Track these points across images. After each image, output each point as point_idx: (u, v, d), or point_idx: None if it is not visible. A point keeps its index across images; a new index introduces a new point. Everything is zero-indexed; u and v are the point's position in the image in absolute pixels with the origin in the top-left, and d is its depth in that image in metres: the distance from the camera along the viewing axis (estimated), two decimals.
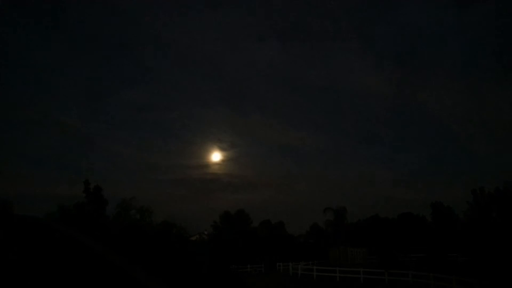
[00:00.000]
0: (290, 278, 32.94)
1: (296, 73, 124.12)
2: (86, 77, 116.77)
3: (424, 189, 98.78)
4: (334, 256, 43.82)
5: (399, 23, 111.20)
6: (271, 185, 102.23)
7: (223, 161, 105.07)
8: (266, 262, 44.80)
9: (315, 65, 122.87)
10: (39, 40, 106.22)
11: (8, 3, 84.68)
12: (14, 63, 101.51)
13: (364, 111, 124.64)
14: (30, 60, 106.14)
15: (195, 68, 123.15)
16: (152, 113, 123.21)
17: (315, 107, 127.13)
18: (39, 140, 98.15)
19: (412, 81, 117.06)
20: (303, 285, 29.13)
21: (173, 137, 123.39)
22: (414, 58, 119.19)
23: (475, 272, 26.52)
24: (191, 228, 59.59)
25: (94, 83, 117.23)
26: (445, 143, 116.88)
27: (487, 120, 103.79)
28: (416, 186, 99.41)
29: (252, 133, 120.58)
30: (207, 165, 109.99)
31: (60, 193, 66.05)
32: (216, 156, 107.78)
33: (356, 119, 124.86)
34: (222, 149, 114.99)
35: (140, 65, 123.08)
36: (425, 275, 25.41)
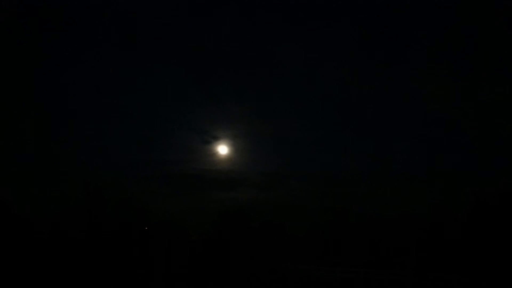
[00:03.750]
0: (290, 278, 33.01)
1: (268, 51, 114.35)
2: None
3: (424, 189, 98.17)
4: (335, 255, 43.90)
5: None
6: (263, 182, 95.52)
7: (207, 155, 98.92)
8: (266, 262, 44.86)
9: (289, 41, 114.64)
10: None
11: None
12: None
13: (352, 99, 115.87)
14: None
15: (154, 49, 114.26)
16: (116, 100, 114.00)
17: (294, 90, 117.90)
18: (38, 139, 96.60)
19: (408, 74, 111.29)
20: (303, 285, 29.21)
21: (149, 129, 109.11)
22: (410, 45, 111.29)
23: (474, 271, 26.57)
24: (191, 228, 59.66)
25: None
26: (445, 142, 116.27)
27: (487, 118, 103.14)
28: (416, 186, 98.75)
29: (233, 123, 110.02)
30: (190, 160, 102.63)
31: (60, 193, 65.06)
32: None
33: (341, 107, 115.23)
34: (204, 142, 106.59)
35: (95, 46, 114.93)
36: (425, 275, 25.48)
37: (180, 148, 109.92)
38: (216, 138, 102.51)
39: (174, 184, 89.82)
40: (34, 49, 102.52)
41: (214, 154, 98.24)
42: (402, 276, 27.36)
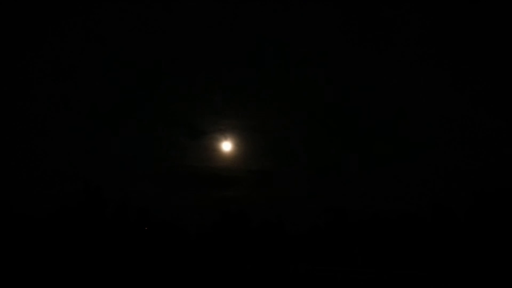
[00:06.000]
0: (290, 278, 33.02)
1: (245, 34, 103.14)
2: None
3: (424, 189, 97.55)
4: (335, 256, 43.94)
5: None
6: (256, 181, 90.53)
7: (196, 152, 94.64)
8: (266, 262, 44.88)
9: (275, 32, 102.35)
10: None
11: None
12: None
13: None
14: None
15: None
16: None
17: (285, 85, 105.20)
18: (38, 138, 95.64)
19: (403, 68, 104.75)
20: (303, 285, 29.20)
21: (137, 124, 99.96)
22: None
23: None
24: (191, 227, 59.60)
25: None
26: (445, 142, 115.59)
27: (486, 118, 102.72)
28: (417, 186, 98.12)
29: (222, 117, 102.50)
30: (178, 157, 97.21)
31: (60, 193, 64.54)
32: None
33: (337, 103, 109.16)
34: (191, 137, 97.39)
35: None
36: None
37: (167, 144, 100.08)
38: (204, 133, 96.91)
39: (164, 182, 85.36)
40: (36, 48, 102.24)
41: (203, 150, 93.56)
42: (403, 275, 27.37)
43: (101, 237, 39.84)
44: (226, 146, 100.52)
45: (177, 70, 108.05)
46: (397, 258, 42.54)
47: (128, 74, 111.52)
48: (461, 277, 22.18)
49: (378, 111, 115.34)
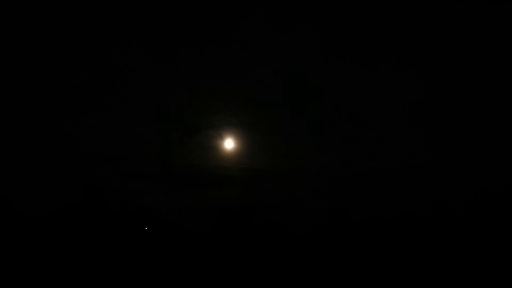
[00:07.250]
0: (290, 278, 33.03)
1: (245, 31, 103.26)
2: None
3: (424, 189, 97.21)
4: (335, 255, 43.97)
5: None
6: (253, 180, 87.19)
7: (189, 149, 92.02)
8: (267, 262, 44.87)
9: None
10: None
11: None
12: None
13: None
14: None
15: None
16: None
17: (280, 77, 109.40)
18: (37, 138, 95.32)
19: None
20: (304, 285, 29.22)
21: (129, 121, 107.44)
22: None
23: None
24: (191, 227, 59.63)
25: None
26: (445, 142, 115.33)
27: (486, 118, 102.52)
28: (417, 185, 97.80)
29: (215, 113, 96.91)
30: (170, 155, 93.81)
31: (60, 193, 64.60)
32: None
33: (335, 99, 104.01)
34: (184, 134, 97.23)
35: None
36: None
37: (158, 141, 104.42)
38: (199, 130, 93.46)
39: (162, 181, 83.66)
40: (36, 47, 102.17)
41: (199, 147, 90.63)
42: (404, 275, 27.40)
43: (101, 236, 39.91)
44: (222, 144, 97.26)
45: (173, 67, 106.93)
46: (397, 258, 42.58)
47: (126, 73, 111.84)
48: (461, 276, 22.21)
49: (376, 110, 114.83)
